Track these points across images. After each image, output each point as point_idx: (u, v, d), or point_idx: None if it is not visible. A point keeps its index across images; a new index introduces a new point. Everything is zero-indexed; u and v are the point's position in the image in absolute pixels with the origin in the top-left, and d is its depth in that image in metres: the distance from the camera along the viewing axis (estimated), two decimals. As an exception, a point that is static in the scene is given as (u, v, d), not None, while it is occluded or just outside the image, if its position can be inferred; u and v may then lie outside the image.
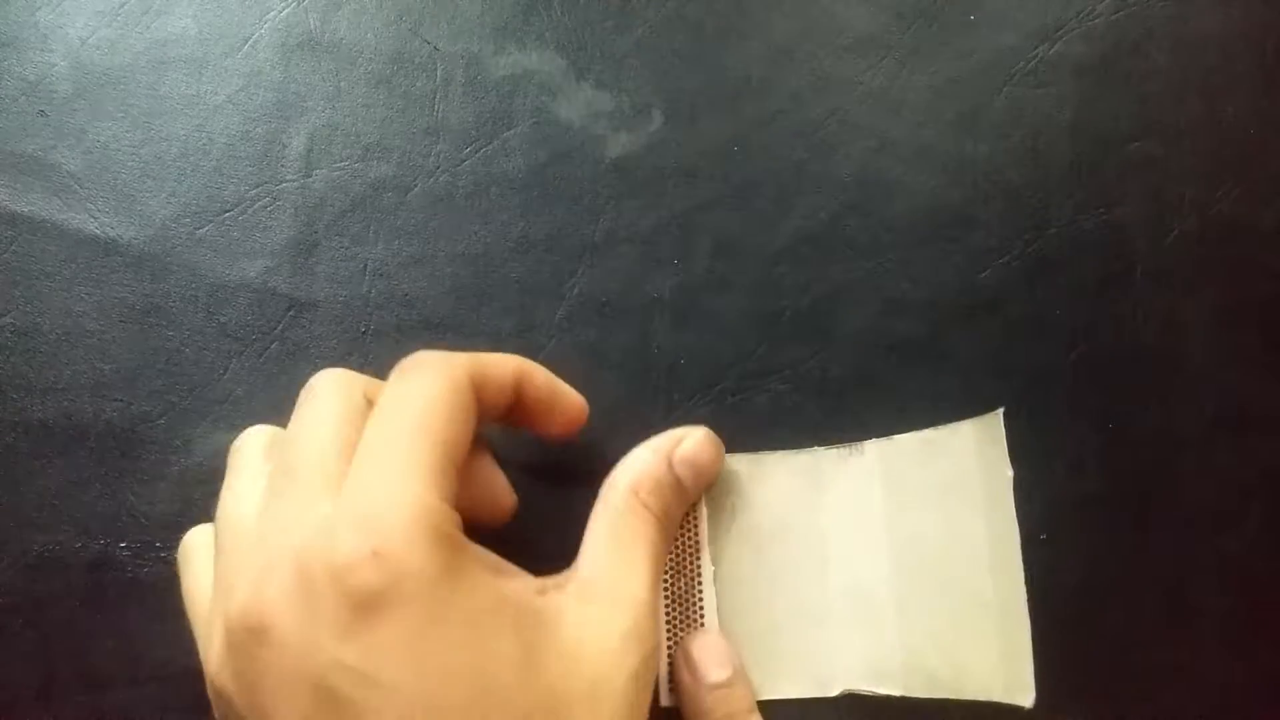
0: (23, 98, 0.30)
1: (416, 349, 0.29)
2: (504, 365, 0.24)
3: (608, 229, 0.30)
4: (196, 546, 0.24)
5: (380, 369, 0.29)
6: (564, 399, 0.26)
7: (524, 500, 0.29)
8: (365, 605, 0.19)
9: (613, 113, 0.31)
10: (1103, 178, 0.30)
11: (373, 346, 0.29)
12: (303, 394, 0.24)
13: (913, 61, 0.31)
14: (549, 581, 0.23)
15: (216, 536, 0.22)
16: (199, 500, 0.29)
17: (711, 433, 0.27)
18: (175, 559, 0.28)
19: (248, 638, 0.19)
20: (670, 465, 0.26)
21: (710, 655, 0.26)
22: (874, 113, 0.31)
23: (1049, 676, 0.27)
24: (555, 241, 0.30)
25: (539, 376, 0.25)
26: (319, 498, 0.20)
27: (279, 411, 0.29)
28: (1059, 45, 0.31)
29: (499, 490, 0.26)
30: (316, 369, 0.29)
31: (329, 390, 0.23)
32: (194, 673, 0.28)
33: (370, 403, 0.23)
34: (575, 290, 0.30)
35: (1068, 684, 0.27)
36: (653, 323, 0.29)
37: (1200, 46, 0.31)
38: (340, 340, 0.29)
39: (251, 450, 0.24)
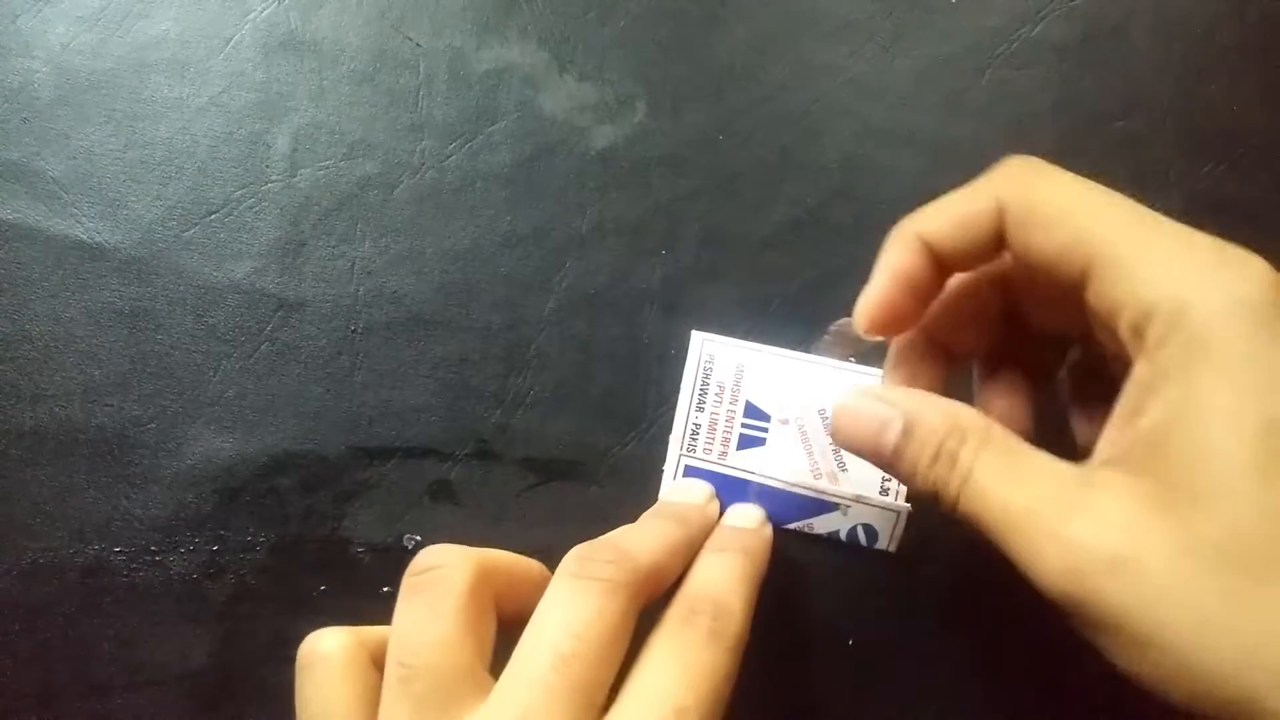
0: (5, 104, 0.30)
1: (406, 346, 0.29)
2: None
3: (595, 221, 0.30)
4: (332, 655, 0.22)
5: (371, 366, 0.29)
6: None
7: (520, 496, 0.29)
8: None
9: (596, 105, 0.31)
10: (1087, 157, 0.30)
11: (362, 345, 0.29)
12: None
13: (896, 46, 0.31)
14: None
15: None
16: (192, 503, 0.29)
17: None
18: (169, 562, 0.28)
19: None
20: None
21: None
22: (859, 98, 0.31)
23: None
24: (542, 235, 0.30)
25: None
26: None
27: (270, 412, 0.29)
28: (1041, 26, 0.31)
29: None
30: (307, 369, 0.29)
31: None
32: (191, 675, 0.28)
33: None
34: (564, 283, 0.30)
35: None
36: (642, 313, 0.29)
37: (1181, 25, 0.31)
38: (330, 339, 0.29)
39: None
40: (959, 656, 0.27)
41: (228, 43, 0.31)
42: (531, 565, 0.24)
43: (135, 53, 0.31)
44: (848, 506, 0.28)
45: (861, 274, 0.29)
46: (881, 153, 0.30)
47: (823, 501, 0.28)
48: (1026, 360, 0.25)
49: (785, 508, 0.28)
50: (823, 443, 0.28)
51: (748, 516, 0.27)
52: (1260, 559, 0.18)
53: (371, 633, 0.23)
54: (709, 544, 0.25)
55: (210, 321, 0.29)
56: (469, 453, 0.29)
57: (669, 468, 0.28)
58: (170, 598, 0.28)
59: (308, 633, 0.23)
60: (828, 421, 0.28)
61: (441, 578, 0.21)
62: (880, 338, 0.25)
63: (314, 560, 0.28)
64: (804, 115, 0.30)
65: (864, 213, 0.30)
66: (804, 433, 0.28)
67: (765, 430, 0.28)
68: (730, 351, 0.29)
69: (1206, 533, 0.18)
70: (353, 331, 0.29)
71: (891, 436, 0.23)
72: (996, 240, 0.22)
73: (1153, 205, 0.30)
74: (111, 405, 0.29)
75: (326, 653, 0.22)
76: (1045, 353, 0.25)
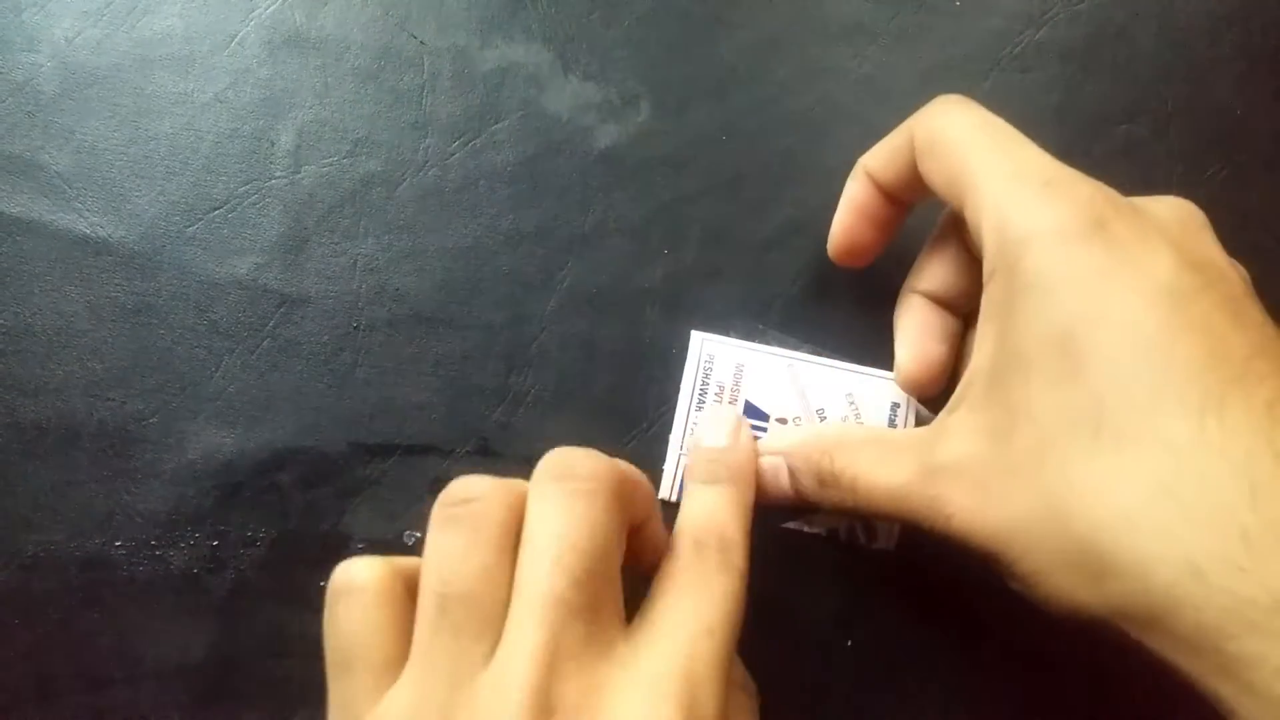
0: (10, 99, 0.30)
1: (408, 344, 0.29)
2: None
3: (597, 220, 0.30)
4: (369, 583, 0.22)
5: (373, 363, 0.29)
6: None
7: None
8: None
9: (600, 104, 0.31)
10: (1091, 160, 0.30)
11: (364, 341, 0.29)
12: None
13: (900, 49, 0.31)
14: None
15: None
16: (192, 498, 0.29)
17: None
18: (169, 556, 0.28)
19: None
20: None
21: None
22: (862, 100, 0.31)
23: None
24: (545, 233, 0.30)
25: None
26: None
27: (272, 408, 0.29)
28: (1045, 30, 0.31)
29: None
30: (309, 365, 0.29)
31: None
32: (191, 669, 0.28)
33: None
34: (566, 282, 0.30)
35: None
36: (643, 313, 0.29)
37: (1185, 29, 0.31)
38: (332, 336, 0.29)
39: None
40: (959, 655, 0.27)
41: (232, 39, 0.31)
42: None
43: (140, 48, 0.31)
44: None
45: (865, 276, 0.30)
46: (884, 154, 0.30)
47: None
48: None
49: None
50: None
51: (721, 430, 0.26)
52: (1058, 464, 0.19)
53: (404, 563, 0.23)
54: (694, 474, 0.25)
55: (212, 317, 0.29)
56: (470, 450, 0.29)
57: (669, 467, 0.28)
58: (170, 592, 0.28)
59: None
60: (826, 421, 0.28)
61: (478, 510, 0.21)
62: (852, 265, 0.28)
63: (314, 556, 0.28)
64: (807, 116, 0.30)
65: (866, 214, 0.30)
66: None
67: (764, 429, 0.28)
68: (730, 351, 0.29)
69: (1021, 452, 0.19)
70: (355, 328, 0.29)
71: (785, 481, 0.25)
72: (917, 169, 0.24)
73: (1155, 209, 0.30)
74: (113, 400, 0.29)
75: (364, 580, 0.22)
76: None
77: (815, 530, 0.28)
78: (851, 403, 0.28)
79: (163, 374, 0.29)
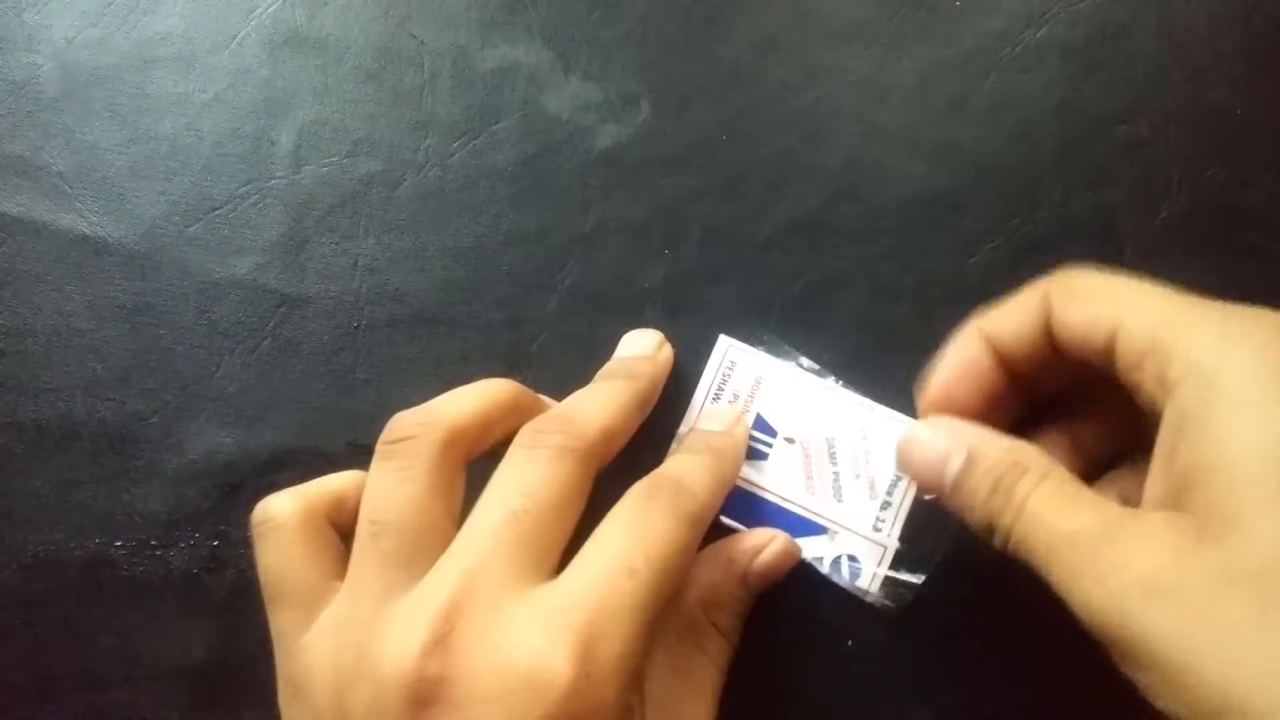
0: (10, 99, 0.30)
1: (408, 344, 0.29)
2: None
3: (597, 220, 0.30)
4: (287, 519, 0.23)
5: (373, 363, 0.29)
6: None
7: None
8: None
9: (601, 104, 0.31)
10: (1091, 161, 0.30)
11: (364, 341, 0.29)
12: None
13: (900, 48, 0.31)
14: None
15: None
16: (193, 498, 0.29)
17: (791, 540, 0.27)
18: (169, 556, 0.28)
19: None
20: (745, 581, 0.25)
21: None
22: (862, 100, 0.31)
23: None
24: (545, 233, 0.30)
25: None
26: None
27: (272, 408, 0.29)
28: (1045, 29, 0.31)
29: None
30: (309, 365, 0.29)
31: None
32: (190, 669, 0.28)
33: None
34: (566, 282, 0.30)
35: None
36: (644, 313, 0.29)
37: (1185, 29, 0.31)
38: (332, 336, 0.29)
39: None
40: (958, 657, 0.27)
41: (233, 39, 0.31)
42: (499, 399, 0.24)
43: (140, 48, 0.31)
44: (835, 532, 0.27)
45: (864, 276, 0.30)
46: (884, 155, 0.30)
47: (812, 522, 0.27)
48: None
49: (773, 522, 0.27)
50: (824, 470, 0.28)
51: (720, 419, 0.27)
52: None
53: (320, 492, 0.24)
54: (681, 446, 0.26)
55: (213, 317, 0.29)
56: (470, 450, 0.29)
57: None
58: (170, 592, 0.28)
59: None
60: (834, 451, 0.28)
61: (413, 445, 0.22)
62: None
63: (314, 556, 0.28)
64: (807, 116, 0.30)
65: (866, 214, 0.30)
66: (807, 456, 0.28)
67: (770, 445, 0.28)
68: (753, 362, 0.28)
69: (1241, 562, 0.18)
70: (355, 328, 0.29)
71: (953, 469, 0.23)
72: (1046, 330, 0.23)
73: (1156, 210, 0.30)
74: (114, 400, 0.29)
75: (281, 518, 0.23)
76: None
77: (803, 556, 0.27)
78: (863, 438, 0.28)
79: (163, 374, 0.29)
